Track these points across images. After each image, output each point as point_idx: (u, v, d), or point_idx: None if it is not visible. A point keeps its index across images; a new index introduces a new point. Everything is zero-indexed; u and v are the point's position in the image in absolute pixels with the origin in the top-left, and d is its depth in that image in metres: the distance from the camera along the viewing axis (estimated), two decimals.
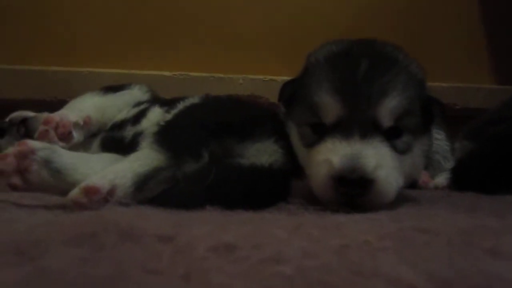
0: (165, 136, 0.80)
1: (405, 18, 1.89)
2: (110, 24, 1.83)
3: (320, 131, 0.81)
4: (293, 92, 0.90)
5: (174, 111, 0.91)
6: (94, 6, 1.83)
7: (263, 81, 1.81)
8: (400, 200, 0.83)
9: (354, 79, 0.80)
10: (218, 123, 0.85)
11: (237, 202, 0.72)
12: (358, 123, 0.77)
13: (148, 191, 0.73)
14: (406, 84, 0.81)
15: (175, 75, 1.80)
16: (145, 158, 0.76)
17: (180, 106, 0.93)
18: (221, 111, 0.89)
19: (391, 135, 0.79)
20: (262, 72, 1.84)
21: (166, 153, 0.77)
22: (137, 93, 1.18)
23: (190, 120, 0.84)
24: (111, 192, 0.70)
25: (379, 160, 0.74)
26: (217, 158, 0.83)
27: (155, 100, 1.14)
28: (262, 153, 0.86)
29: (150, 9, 1.84)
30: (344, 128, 0.78)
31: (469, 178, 1.07)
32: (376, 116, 0.78)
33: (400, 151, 0.80)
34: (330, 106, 0.80)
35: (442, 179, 1.24)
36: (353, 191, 0.73)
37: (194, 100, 0.95)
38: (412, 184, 1.19)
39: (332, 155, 0.76)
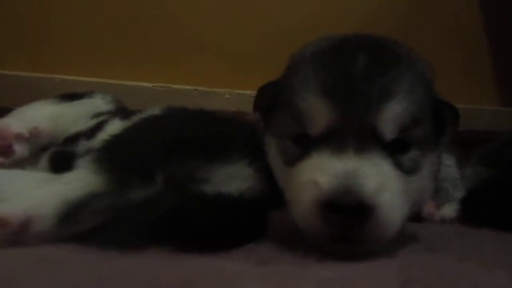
0: (109, 153, 0.63)
1: (408, 39, 1.76)
2: (86, 30, 1.69)
3: (305, 145, 0.64)
4: (273, 98, 0.73)
5: (127, 124, 0.75)
6: (71, 11, 1.69)
7: (251, 96, 1.66)
8: (405, 238, 0.66)
9: (349, 78, 0.62)
10: (178, 139, 0.69)
11: (193, 241, 0.56)
12: (354, 134, 0.60)
13: (78, 224, 0.57)
14: (413, 85, 0.64)
15: (155, 86, 1.65)
16: (78, 180, 0.60)
17: (135, 118, 0.76)
18: (184, 125, 0.72)
19: (394, 150, 0.62)
20: (250, 86, 1.67)
21: (107, 175, 0.61)
22: (98, 103, 1.03)
23: (143, 134, 0.68)
24: (25, 224, 0.54)
25: (381, 180, 0.58)
26: (175, 183, 0.67)
27: (120, 111, 0.98)
28: (233, 178, 0.70)
29: (130, 15, 1.70)
30: (336, 140, 0.61)
31: (483, 210, 0.91)
32: (377, 125, 0.61)
33: (406, 171, 0.63)
34: (318, 112, 0.63)
35: (450, 210, 1.07)
36: (347, 221, 0.56)
37: (153, 111, 0.78)
38: (414, 215, 1.03)
39: (319, 174, 0.59)
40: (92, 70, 1.65)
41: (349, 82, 0.62)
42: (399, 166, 0.62)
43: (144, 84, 1.64)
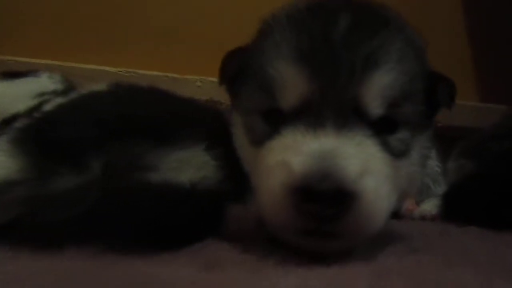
0: (30, 133, 0.52)
1: None
2: (47, 11, 1.57)
3: (275, 121, 0.54)
4: (241, 68, 0.62)
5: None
6: None
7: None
8: (382, 237, 0.57)
9: (329, 41, 0.53)
10: (121, 119, 0.58)
11: (125, 241, 0.46)
12: (333, 108, 0.50)
13: None
14: (404, 53, 0.54)
15: (120, 71, 1.56)
16: None
17: (74, 94, 0.65)
18: (130, 103, 0.62)
19: (381, 129, 0.53)
20: None
21: (26, 159, 0.50)
22: (44, 82, 0.92)
23: (78, 112, 0.57)
24: None
25: (364, 163, 0.49)
26: (115, 170, 0.56)
27: (68, 91, 0.86)
28: (185, 165, 0.60)
29: None
30: (312, 115, 0.51)
31: (467, 206, 0.82)
32: (361, 98, 0.51)
33: (394, 153, 0.54)
34: (291, 81, 0.53)
35: (430, 206, 0.99)
36: (323, 212, 0.45)
37: (97, 87, 0.67)
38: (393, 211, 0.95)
39: (290, 154, 0.49)
40: (51, 53, 1.55)
41: (328, 47, 0.52)
42: (386, 147, 0.53)
43: (107, 68, 1.55)
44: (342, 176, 0.45)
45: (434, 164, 1.04)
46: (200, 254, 0.47)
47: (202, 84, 1.58)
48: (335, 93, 0.51)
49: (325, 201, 0.45)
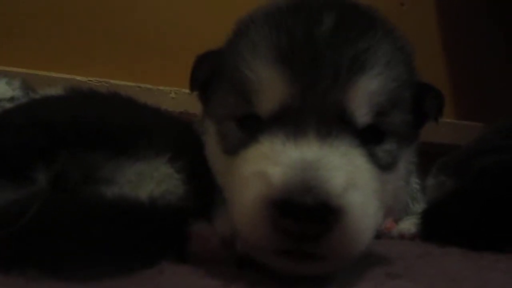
0: None
1: None
2: (14, 16, 1.51)
3: (252, 129, 0.49)
4: (214, 71, 0.57)
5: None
6: None
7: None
8: (360, 260, 0.52)
9: (311, 41, 0.48)
10: (74, 127, 0.52)
11: (67, 264, 0.40)
12: (316, 114, 0.46)
13: None
14: (392, 57, 0.50)
15: (91, 81, 1.49)
16: None
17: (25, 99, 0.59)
18: (85, 109, 0.56)
19: (368, 139, 0.48)
20: None
21: None
22: (1, 89, 0.85)
23: (23, 118, 0.50)
24: None
25: (351, 176, 0.44)
26: (66, 183, 0.50)
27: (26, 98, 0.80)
28: (145, 178, 0.55)
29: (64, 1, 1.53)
30: (292, 121, 0.46)
31: (448, 225, 0.79)
32: (346, 104, 0.47)
33: (382, 166, 0.49)
34: (269, 84, 0.48)
35: (408, 224, 0.95)
36: (305, 229, 0.40)
37: (50, 91, 0.61)
38: None
39: (269, 164, 0.44)
40: (18, 60, 1.49)
41: (311, 47, 0.48)
42: (372, 158, 0.48)
43: (78, 77, 1.48)
44: (327, 189, 0.41)
45: (413, 181, 1.00)
46: (155, 281, 0.41)
47: (177, 96, 1.54)
48: (318, 98, 0.46)
49: (306, 217, 0.40)
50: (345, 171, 0.43)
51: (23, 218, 0.41)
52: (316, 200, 0.40)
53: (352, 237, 0.42)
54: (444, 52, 1.86)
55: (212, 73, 0.57)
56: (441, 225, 0.81)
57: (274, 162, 0.43)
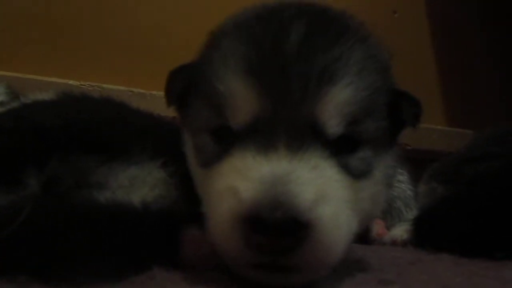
0: None
1: None
2: (3, 18, 1.49)
3: (225, 141, 0.50)
4: (187, 84, 0.57)
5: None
6: None
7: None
8: (351, 265, 0.53)
9: (280, 53, 0.48)
10: (66, 131, 0.52)
11: (58, 269, 0.39)
12: (286, 127, 0.46)
13: None
14: (364, 65, 0.50)
15: (83, 85, 1.49)
16: None
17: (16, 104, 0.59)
18: (78, 113, 0.56)
19: (340, 149, 0.48)
20: None
21: None
22: None
23: (17, 123, 0.50)
24: None
25: (321, 188, 0.44)
26: (59, 188, 0.50)
27: (11, 103, 0.79)
28: (138, 183, 0.54)
29: (53, 2, 1.51)
30: (263, 134, 0.46)
31: (439, 231, 0.79)
32: (317, 116, 0.47)
33: (355, 174, 0.49)
34: (240, 97, 0.48)
35: (401, 231, 0.96)
36: (275, 244, 0.41)
37: (42, 96, 0.61)
38: (362, 233, 0.91)
39: (240, 179, 0.44)
40: (7, 64, 1.47)
41: (280, 59, 0.48)
42: (345, 168, 0.48)
43: (71, 82, 1.48)
44: (296, 204, 0.41)
45: (406, 188, 1.01)
46: (144, 287, 0.41)
47: None
48: (288, 111, 0.46)
49: (277, 232, 0.40)
50: (314, 185, 0.43)
51: (14, 222, 0.41)
52: (285, 215, 0.40)
53: (324, 249, 0.43)
54: (435, 60, 1.87)
55: (186, 87, 0.58)
56: (433, 232, 0.81)
57: (245, 177, 0.44)
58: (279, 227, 0.40)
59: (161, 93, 1.57)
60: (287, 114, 0.46)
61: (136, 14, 1.58)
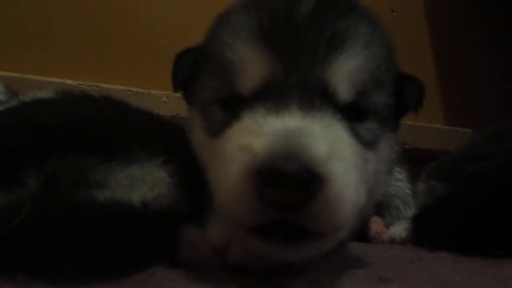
0: None
1: None
2: (1, 19, 1.49)
3: (235, 108, 0.50)
4: (195, 65, 0.57)
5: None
6: None
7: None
8: (351, 263, 0.53)
9: (291, 21, 0.49)
10: (65, 130, 0.52)
11: (61, 265, 0.39)
12: (298, 90, 0.46)
13: None
14: (373, 40, 0.52)
15: (81, 85, 1.48)
16: None
17: (15, 102, 0.59)
18: (77, 112, 0.56)
19: (350, 116, 0.49)
20: None
21: None
22: None
23: (13, 121, 0.50)
24: None
25: (333, 145, 0.44)
26: (58, 187, 0.50)
27: (10, 102, 0.79)
28: (138, 182, 0.54)
29: (52, 2, 1.51)
30: (274, 97, 0.46)
31: (437, 229, 0.79)
32: (328, 80, 0.48)
33: (364, 142, 0.50)
34: (250, 62, 0.49)
35: (399, 229, 0.96)
36: (288, 197, 0.40)
37: (41, 94, 0.61)
38: (360, 234, 0.91)
39: (252, 136, 0.44)
40: (6, 63, 1.46)
41: (291, 27, 0.49)
42: (354, 134, 0.49)
43: (69, 81, 1.47)
44: (310, 156, 0.41)
45: (404, 186, 1.01)
46: (144, 285, 0.41)
47: (168, 100, 1.53)
48: (299, 75, 0.47)
49: (290, 184, 0.39)
50: (328, 141, 0.43)
51: (13, 222, 0.41)
52: (299, 166, 0.40)
53: (336, 206, 0.42)
54: (434, 59, 1.88)
55: (193, 68, 0.58)
56: (432, 230, 0.82)
57: (257, 133, 0.44)
58: (292, 178, 0.39)
59: (160, 92, 1.57)
60: (298, 78, 0.47)
61: (135, 14, 1.57)
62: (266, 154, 0.41)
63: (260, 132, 0.43)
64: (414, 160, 1.15)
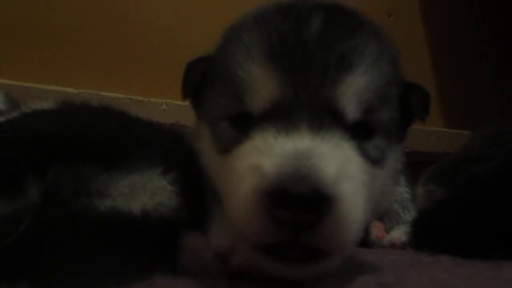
0: None
1: None
2: (1, 26, 1.49)
3: (244, 126, 0.50)
4: (205, 77, 0.58)
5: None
6: None
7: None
8: (352, 268, 0.53)
9: (301, 41, 0.50)
10: (66, 140, 0.52)
11: (62, 274, 0.40)
12: (307, 110, 0.47)
13: None
14: (379, 56, 0.52)
15: (81, 93, 1.48)
16: None
17: (16, 113, 0.59)
18: (77, 122, 0.56)
19: (358, 135, 0.50)
20: None
21: None
22: None
23: (14, 131, 0.50)
24: None
25: (342, 166, 0.45)
26: (59, 197, 0.50)
27: (12, 111, 0.79)
28: (138, 191, 0.55)
29: (52, 9, 1.51)
30: (284, 116, 0.47)
31: (437, 233, 0.79)
32: (337, 100, 0.49)
33: (371, 161, 0.51)
34: (260, 81, 0.49)
35: (399, 233, 0.96)
36: (299, 218, 0.41)
37: (42, 104, 0.62)
38: (360, 239, 0.91)
39: (262, 157, 0.45)
40: (5, 72, 1.47)
41: (300, 47, 0.50)
42: (363, 152, 0.49)
43: (69, 89, 1.47)
44: (320, 178, 0.41)
45: (403, 190, 1.01)
46: None
47: (168, 108, 1.53)
48: (309, 94, 0.48)
49: (300, 205, 0.40)
50: (337, 162, 0.44)
51: (15, 231, 0.41)
52: (309, 188, 0.40)
53: (344, 226, 0.42)
54: (431, 62, 1.88)
55: (203, 78, 0.59)
56: (432, 234, 0.82)
57: (267, 154, 0.45)
58: (302, 200, 0.40)
59: (159, 100, 1.57)
60: (308, 98, 0.48)
61: (135, 22, 1.58)
62: (276, 176, 0.41)
63: (270, 153, 0.44)
64: (413, 164, 1.15)
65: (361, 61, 0.50)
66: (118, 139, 0.57)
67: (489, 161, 0.80)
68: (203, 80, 0.58)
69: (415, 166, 1.15)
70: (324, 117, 0.47)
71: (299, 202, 0.40)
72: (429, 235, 0.82)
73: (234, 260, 0.49)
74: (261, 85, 0.49)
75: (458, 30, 1.91)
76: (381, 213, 0.59)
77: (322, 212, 0.41)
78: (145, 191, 0.55)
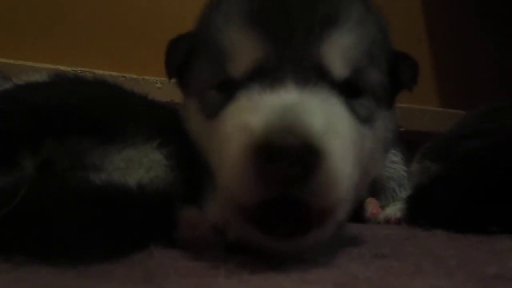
0: None
1: None
2: None
3: (229, 90, 0.50)
4: (189, 52, 0.57)
5: None
6: None
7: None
8: (346, 241, 0.53)
9: (284, 3, 0.50)
10: (61, 113, 0.51)
11: (60, 246, 0.40)
12: (293, 67, 0.47)
13: None
14: (366, 19, 0.52)
15: (75, 70, 1.46)
16: None
17: (9, 85, 0.58)
18: (71, 95, 0.55)
19: (345, 93, 0.49)
20: None
21: None
22: None
23: (11, 104, 0.50)
24: None
25: (331, 120, 0.44)
26: (54, 170, 0.50)
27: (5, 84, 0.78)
28: (134, 165, 0.54)
29: None
30: (268, 75, 0.47)
31: (432, 209, 0.80)
32: (323, 57, 0.48)
33: (360, 118, 0.50)
34: (243, 44, 0.49)
35: (394, 210, 0.97)
36: (287, 172, 0.40)
37: (35, 77, 0.61)
38: (355, 215, 0.92)
39: (248, 114, 0.44)
40: (2, 50, 1.45)
41: (282, 8, 0.49)
42: (351, 109, 0.49)
43: (62, 67, 1.46)
44: (308, 131, 0.41)
45: (400, 168, 1.02)
46: (141, 265, 0.42)
47: (163, 86, 1.52)
48: (294, 51, 0.47)
49: (289, 159, 0.40)
50: (325, 115, 0.44)
51: (10, 203, 0.41)
52: (297, 141, 0.40)
53: (334, 179, 0.42)
54: (428, 40, 1.86)
55: (186, 55, 0.58)
56: (427, 209, 0.82)
57: (253, 111, 0.44)
58: (291, 153, 0.39)
59: (154, 78, 1.56)
60: (292, 55, 0.47)
61: (129, 0, 1.56)
62: (263, 131, 0.41)
63: (256, 109, 0.44)
64: (408, 143, 1.15)
65: (346, 20, 0.49)
66: (113, 112, 0.56)
67: (484, 137, 0.81)
68: (186, 57, 0.57)
69: (411, 145, 1.15)
70: (310, 73, 0.47)
71: (288, 156, 0.39)
72: (424, 210, 0.83)
73: (230, 232, 0.49)
74: (242, 48, 0.49)
75: (456, 8, 1.89)
76: (370, 181, 0.58)
77: (311, 164, 0.40)
78: (140, 165, 0.55)
